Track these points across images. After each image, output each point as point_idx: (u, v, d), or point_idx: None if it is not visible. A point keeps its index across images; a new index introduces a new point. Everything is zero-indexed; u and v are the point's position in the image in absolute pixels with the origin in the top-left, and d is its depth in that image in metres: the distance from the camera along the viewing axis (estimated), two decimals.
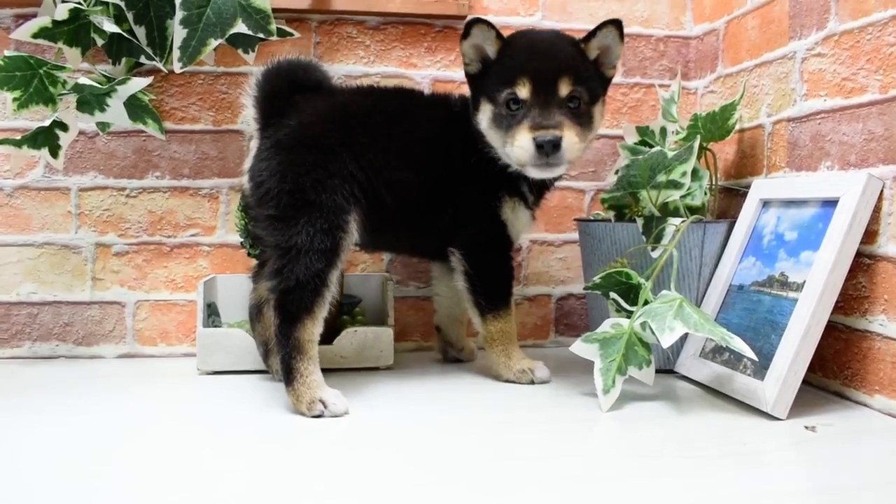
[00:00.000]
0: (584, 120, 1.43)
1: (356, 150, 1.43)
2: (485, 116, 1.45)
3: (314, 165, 1.40)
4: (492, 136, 1.45)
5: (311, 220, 1.37)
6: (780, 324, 1.36)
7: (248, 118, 1.50)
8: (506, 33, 1.48)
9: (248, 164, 1.48)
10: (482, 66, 1.48)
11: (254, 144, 1.49)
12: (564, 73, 1.40)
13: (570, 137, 1.38)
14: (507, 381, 1.55)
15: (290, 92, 1.47)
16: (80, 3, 1.55)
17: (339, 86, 1.59)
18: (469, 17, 1.47)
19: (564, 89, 1.40)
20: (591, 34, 1.46)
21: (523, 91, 1.40)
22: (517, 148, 1.39)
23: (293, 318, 1.34)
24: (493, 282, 1.55)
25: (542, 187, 1.56)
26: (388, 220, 1.49)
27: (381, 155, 1.46)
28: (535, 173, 1.42)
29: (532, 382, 1.54)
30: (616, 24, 1.45)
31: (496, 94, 1.43)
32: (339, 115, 1.47)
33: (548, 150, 1.36)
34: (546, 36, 1.53)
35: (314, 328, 1.36)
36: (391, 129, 1.49)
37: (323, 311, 1.37)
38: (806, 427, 1.25)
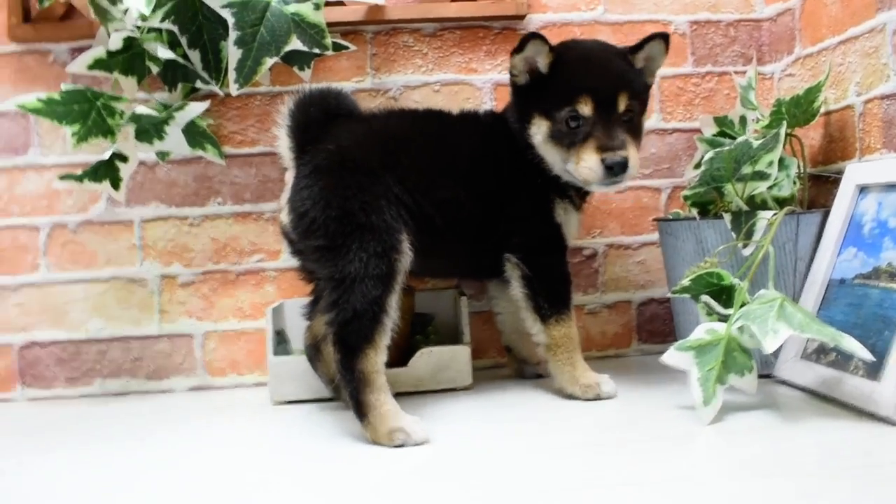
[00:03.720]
0: (637, 132, 1.45)
1: (399, 173, 1.39)
2: (539, 132, 1.44)
3: (359, 188, 1.34)
4: (549, 151, 1.45)
5: (362, 245, 1.31)
6: (892, 318, 1.24)
7: (281, 149, 1.44)
8: (565, 32, 1.43)
9: (285, 196, 1.42)
10: (530, 78, 1.46)
11: (289, 176, 1.43)
12: (623, 89, 1.41)
13: (633, 156, 1.40)
14: (570, 395, 1.46)
15: (324, 119, 1.43)
16: (133, 32, 1.53)
17: (370, 112, 1.55)
18: (525, 32, 1.45)
19: (622, 105, 1.41)
20: (639, 46, 1.47)
21: (585, 109, 1.39)
22: (584, 168, 1.39)
23: (354, 351, 1.28)
24: (554, 283, 1.48)
25: (586, 193, 1.54)
26: (439, 240, 1.43)
27: (425, 175, 1.42)
28: (599, 189, 1.47)
29: (598, 398, 1.44)
30: (664, 37, 1.47)
31: (554, 110, 1.42)
32: (378, 138, 1.44)
33: (617, 171, 1.38)
34: (597, 49, 1.51)
35: (377, 358, 1.29)
36: (432, 149, 1.46)
37: (385, 339, 1.30)
38: None
